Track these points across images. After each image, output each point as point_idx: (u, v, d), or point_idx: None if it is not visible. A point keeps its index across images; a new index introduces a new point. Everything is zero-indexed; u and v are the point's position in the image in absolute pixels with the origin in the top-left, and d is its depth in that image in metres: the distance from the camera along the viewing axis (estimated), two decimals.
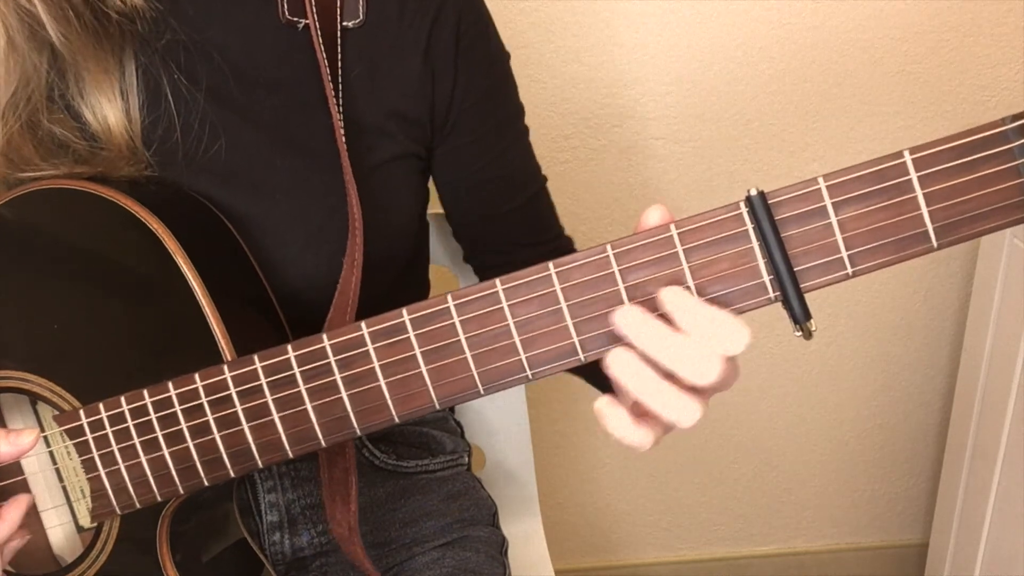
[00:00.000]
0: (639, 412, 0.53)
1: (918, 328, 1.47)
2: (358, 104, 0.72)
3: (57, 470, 0.68)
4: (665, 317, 0.52)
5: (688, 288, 0.52)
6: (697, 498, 1.58)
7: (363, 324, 0.57)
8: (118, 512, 0.64)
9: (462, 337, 0.56)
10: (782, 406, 1.51)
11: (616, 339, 0.54)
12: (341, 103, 0.71)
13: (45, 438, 0.66)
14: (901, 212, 0.50)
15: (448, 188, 0.80)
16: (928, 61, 1.31)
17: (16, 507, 0.63)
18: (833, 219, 0.50)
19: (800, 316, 0.51)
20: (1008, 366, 1.24)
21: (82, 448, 0.63)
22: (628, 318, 0.52)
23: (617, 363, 0.52)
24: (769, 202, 0.51)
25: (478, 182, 0.80)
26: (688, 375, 0.50)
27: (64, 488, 0.68)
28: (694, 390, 0.51)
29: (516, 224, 0.83)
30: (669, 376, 0.51)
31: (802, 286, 0.51)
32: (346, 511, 0.69)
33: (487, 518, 0.91)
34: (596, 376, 0.63)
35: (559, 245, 0.86)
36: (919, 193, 0.49)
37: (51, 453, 0.67)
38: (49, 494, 0.68)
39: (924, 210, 0.49)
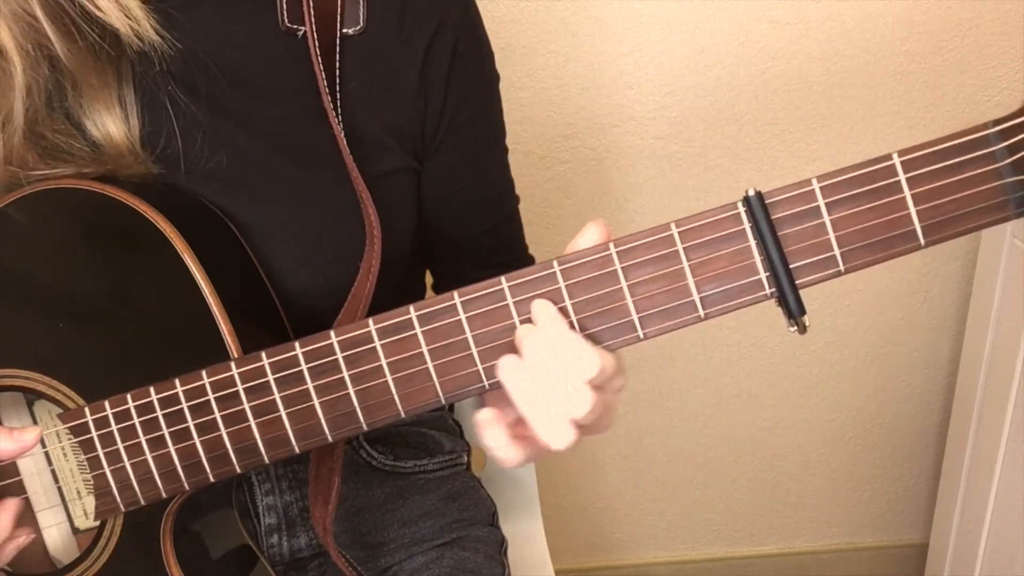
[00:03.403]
0: (516, 433, 0.56)
1: (918, 328, 1.47)
2: (356, 116, 0.72)
3: (53, 471, 0.68)
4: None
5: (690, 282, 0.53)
6: (697, 498, 1.58)
7: (370, 321, 0.58)
8: (122, 509, 0.64)
9: (468, 334, 0.57)
10: (782, 406, 1.51)
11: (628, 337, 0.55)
12: (340, 114, 0.70)
13: (42, 438, 0.67)
14: (890, 212, 0.52)
15: (426, 204, 0.79)
16: (928, 61, 1.31)
17: (5, 512, 0.64)
18: (826, 218, 0.52)
19: (795, 311, 0.53)
20: (1008, 366, 1.24)
21: (87, 446, 0.63)
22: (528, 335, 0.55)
23: (507, 369, 0.55)
24: (766, 202, 0.52)
25: (458, 202, 0.80)
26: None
27: (60, 489, 0.68)
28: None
29: (486, 244, 0.83)
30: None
31: (797, 283, 0.53)
32: (324, 511, 0.69)
33: (486, 518, 0.91)
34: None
35: (522, 266, 0.86)
36: (907, 194, 0.51)
37: (47, 454, 0.67)
38: (45, 495, 0.68)
39: (912, 210, 0.51)
